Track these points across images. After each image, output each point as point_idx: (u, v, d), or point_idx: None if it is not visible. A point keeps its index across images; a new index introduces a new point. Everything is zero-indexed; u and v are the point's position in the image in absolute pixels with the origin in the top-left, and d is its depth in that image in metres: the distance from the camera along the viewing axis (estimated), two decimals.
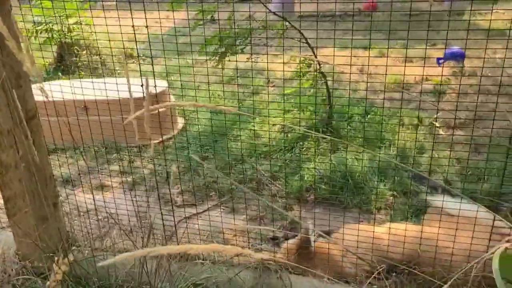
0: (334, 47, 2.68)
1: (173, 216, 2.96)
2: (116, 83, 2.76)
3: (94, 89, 3.04)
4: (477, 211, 2.48)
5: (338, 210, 3.78)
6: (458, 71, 7.03)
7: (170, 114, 5.34)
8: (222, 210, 3.84)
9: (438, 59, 6.95)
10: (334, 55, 2.61)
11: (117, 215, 3.17)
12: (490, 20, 2.59)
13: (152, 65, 2.86)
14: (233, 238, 3.54)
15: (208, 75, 3.22)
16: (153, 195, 4.01)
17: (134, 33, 2.57)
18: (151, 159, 4.68)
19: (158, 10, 2.70)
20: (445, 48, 6.50)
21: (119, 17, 2.73)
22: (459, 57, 7.36)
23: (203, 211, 3.80)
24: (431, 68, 6.93)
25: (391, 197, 3.82)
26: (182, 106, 5.31)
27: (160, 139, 4.98)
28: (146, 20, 2.61)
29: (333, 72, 5.57)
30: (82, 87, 3.09)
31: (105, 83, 3.04)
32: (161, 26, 2.78)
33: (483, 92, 5.72)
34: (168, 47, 3.08)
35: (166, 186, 4.09)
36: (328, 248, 2.80)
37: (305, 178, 4.08)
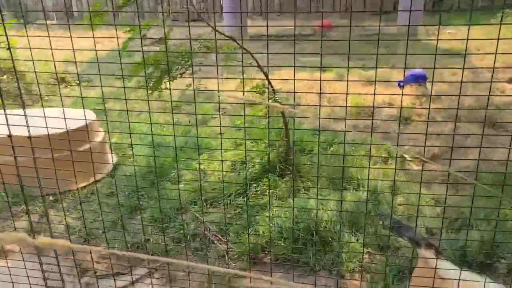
0: (292, 67, 1.96)
1: None
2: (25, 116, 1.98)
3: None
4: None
5: (303, 274, 3.03)
6: (422, 94, 6.58)
7: (106, 149, 4.47)
8: (156, 280, 3.01)
9: (399, 82, 6.50)
10: (293, 79, 1.92)
11: None
12: (437, 40, 2.02)
13: (81, 92, 2.08)
14: None
15: (149, 100, 2.46)
16: (68, 262, 3.11)
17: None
18: (68, 211, 3.77)
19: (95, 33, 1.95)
20: (405, 71, 6.05)
21: (54, 37, 2.00)
22: (420, 79, 6.95)
23: (131, 283, 2.95)
24: (393, 90, 6.46)
25: (366, 255, 3.12)
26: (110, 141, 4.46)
27: (85, 183, 4.10)
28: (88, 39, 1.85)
29: (291, 96, 4.91)
30: None
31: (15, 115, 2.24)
32: (97, 50, 2.07)
33: (452, 120, 5.24)
34: (108, 70, 2.33)
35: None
36: None
37: (261, 232, 3.31)
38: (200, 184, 3.18)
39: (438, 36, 2.07)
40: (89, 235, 3.40)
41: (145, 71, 3.40)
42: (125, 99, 2.29)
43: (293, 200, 3.51)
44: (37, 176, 2.41)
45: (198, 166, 4.20)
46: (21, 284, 2.64)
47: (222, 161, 3.81)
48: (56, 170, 2.08)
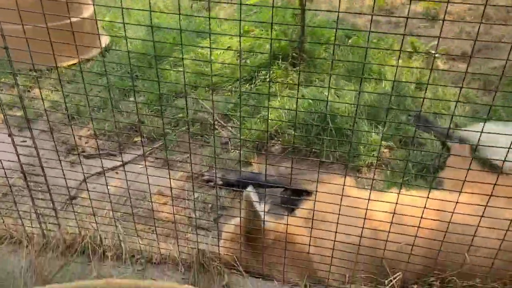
0: None
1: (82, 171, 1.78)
2: None
3: None
4: None
5: (313, 166, 2.72)
6: None
7: (95, 27, 3.96)
8: (150, 163, 2.70)
9: None
10: None
11: None
12: None
13: None
14: (162, 205, 2.44)
15: None
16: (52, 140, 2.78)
17: None
18: (54, 88, 3.38)
19: None
20: None
21: None
22: None
23: (122, 164, 2.64)
24: None
25: (386, 150, 2.79)
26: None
27: (73, 61, 3.66)
28: None
29: None
30: None
31: None
32: None
33: (480, 21, 4.70)
34: None
35: (71, 128, 2.87)
36: (286, 234, 1.73)
37: (269, 121, 2.95)
38: (211, 64, 2.75)
39: None
40: (72, 116, 3.04)
41: None
42: None
43: (298, 82, 3.10)
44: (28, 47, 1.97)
45: (201, 50, 3.74)
46: None
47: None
48: (40, 42, 1.62)
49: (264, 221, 1.68)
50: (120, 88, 3.32)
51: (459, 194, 1.44)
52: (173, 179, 2.52)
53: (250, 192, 1.68)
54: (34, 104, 3.17)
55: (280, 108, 2.94)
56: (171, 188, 1.68)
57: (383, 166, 2.66)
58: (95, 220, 1.81)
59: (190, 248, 1.78)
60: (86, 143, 2.85)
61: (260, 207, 1.74)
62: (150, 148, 2.80)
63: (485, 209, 1.43)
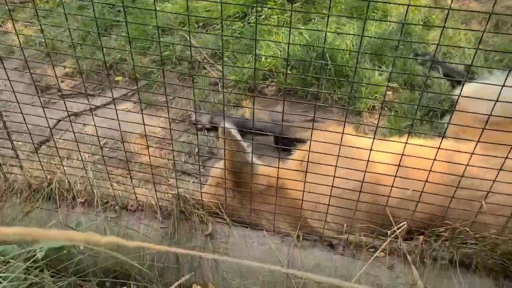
0: None
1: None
2: None
3: None
4: None
5: (311, 109, 2.50)
6: None
7: None
8: (132, 104, 2.47)
9: None
10: None
11: None
12: None
13: None
14: (145, 149, 2.23)
15: None
16: (25, 78, 2.54)
17: None
18: (29, 22, 3.08)
19: None
20: None
21: None
22: None
23: (101, 105, 2.42)
24: None
25: (391, 92, 2.56)
26: None
27: None
28: None
29: None
30: None
31: None
32: None
33: None
34: None
35: (46, 65, 2.62)
36: (277, 178, 1.53)
37: (263, 59, 2.70)
38: None
39: None
40: (48, 53, 2.77)
41: None
42: None
43: (291, 8, 2.83)
44: None
45: None
46: None
47: None
48: None
49: (252, 164, 1.48)
50: (100, 23, 3.03)
51: (477, 145, 1.23)
52: (156, 124, 2.32)
53: (231, 129, 1.48)
54: (8, 39, 2.90)
55: (273, 41, 2.67)
56: (143, 127, 1.47)
57: (386, 109, 2.44)
58: (61, 163, 1.60)
59: (170, 194, 1.59)
60: (62, 82, 2.61)
61: (245, 146, 1.55)
62: (132, 89, 2.56)
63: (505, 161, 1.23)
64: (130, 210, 1.62)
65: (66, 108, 1.47)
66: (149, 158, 1.49)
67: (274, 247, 1.52)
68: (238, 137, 1.53)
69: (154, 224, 1.58)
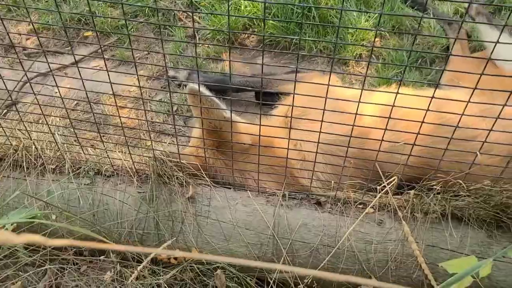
0: None
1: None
2: None
3: None
4: None
5: (294, 60, 2.37)
6: None
7: None
8: (104, 61, 2.31)
9: None
10: None
11: None
12: None
13: None
14: (120, 109, 2.11)
15: None
16: None
17: None
18: None
19: None
20: None
21: None
22: None
23: (70, 64, 2.25)
24: None
25: (378, 39, 2.43)
26: None
27: None
28: None
29: None
30: None
31: None
32: None
33: None
34: None
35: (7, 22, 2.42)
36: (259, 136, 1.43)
37: (242, 8, 2.53)
38: None
39: None
40: (8, 7, 2.56)
41: None
42: None
43: None
44: None
45: None
46: None
47: None
48: None
49: (232, 121, 1.37)
50: None
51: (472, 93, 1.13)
52: (132, 83, 2.19)
53: (196, 86, 1.37)
54: None
55: None
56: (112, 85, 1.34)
57: (374, 57, 2.32)
58: (26, 128, 1.47)
59: (147, 157, 1.49)
60: (27, 39, 2.42)
61: (218, 102, 1.44)
62: (104, 45, 2.39)
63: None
64: (105, 175, 1.52)
65: (30, 68, 1.33)
66: (120, 118, 1.37)
67: (259, 208, 1.45)
68: (207, 93, 1.42)
69: (131, 189, 1.49)
